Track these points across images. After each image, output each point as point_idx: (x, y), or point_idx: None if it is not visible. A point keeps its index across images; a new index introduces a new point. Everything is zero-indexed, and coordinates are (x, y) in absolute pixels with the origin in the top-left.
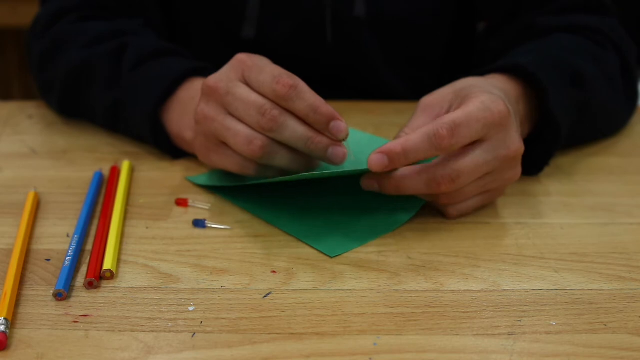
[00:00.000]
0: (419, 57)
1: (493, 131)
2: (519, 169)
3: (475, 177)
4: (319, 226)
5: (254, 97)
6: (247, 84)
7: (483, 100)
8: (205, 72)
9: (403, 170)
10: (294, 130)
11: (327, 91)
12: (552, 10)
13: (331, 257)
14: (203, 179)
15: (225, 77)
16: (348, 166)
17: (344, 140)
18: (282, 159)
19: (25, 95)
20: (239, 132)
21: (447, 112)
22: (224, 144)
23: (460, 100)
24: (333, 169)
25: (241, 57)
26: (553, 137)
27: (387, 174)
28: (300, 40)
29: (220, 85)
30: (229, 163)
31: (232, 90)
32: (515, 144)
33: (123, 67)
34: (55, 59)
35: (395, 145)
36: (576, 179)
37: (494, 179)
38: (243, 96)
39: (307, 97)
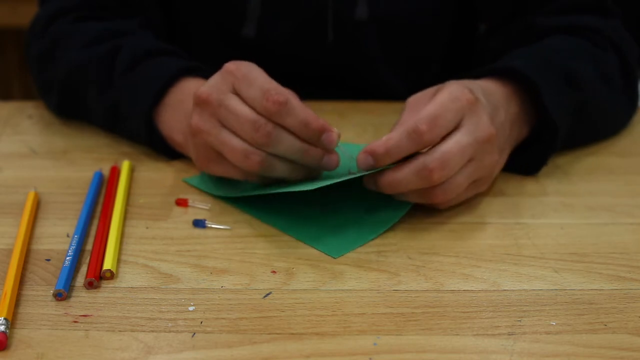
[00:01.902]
0: (419, 57)
1: (466, 116)
2: (496, 155)
3: (462, 161)
4: (319, 227)
5: (247, 111)
6: (238, 95)
7: (451, 90)
8: (199, 71)
9: (394, 167)
10: (289, 144)
11: (327, 91)
12: (552, 10)
13: (335, 258)
14: (200, 182)
15: (215, 88)
16: (345, 172)
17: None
18: (281, 170)
19: (25, 95)
20: (235, 147)
21: None
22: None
23: (436, 91)
24: (326, 178)
25: (230, 67)
26: (550, 136)
27: (380, 173)
28: (301, 40)
29: (212, 97)
30: (232, 173)
31: (225, 103)
32: (488, 127)
33: (116, 69)
34: (54, 60)
35: (378, 145)
36: (576, 178)
37: (477, 165)
38: (236, 110)
39: (297, 113)
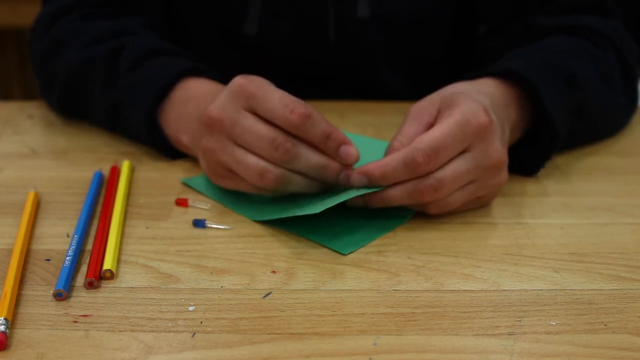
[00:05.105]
0: (419, 57)
1: (475, 141)
2: (503, 175)
3: (457, 185)
4: (324, 226)
5: (265, 129)
6: (254, 112)
7: (463, 111)
8: (200, 71)
9: (386, 188)
10: (308, 159)
11: (327, 91)
12: (552, 10)
13: (345, 255)
14: (199, 183)
15: (228, 107)
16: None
17: (352, 164)
18: (296, 185)
19: (25, 95)
20: (249, 165)
21: (436, 117)
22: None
23: (446, 106)
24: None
25: (241, 82)
26: (550, 136)
27: (372, 192)
28: (302, 39)
29: (224, 116)
30: (244, 187)
31: (240, 122)
32: (497, 152)
33: (120, 68)
34: (56, 59)
35: (375, 168)
36: (576, 178)
37: (479, 186)
38: (253, 128)
39: (320, 125)
